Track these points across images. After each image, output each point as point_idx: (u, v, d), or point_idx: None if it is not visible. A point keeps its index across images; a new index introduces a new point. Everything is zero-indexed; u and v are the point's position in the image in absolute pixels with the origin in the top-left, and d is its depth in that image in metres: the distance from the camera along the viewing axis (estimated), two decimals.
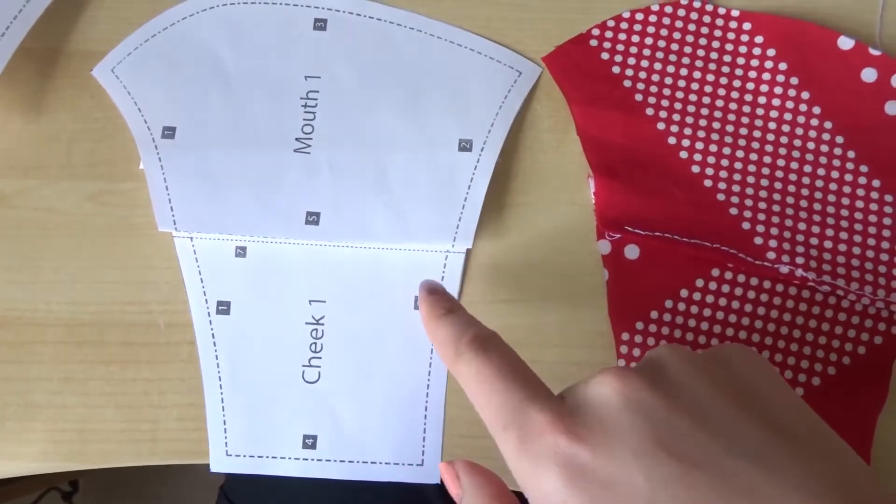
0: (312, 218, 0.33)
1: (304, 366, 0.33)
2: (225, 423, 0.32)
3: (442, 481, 0.32)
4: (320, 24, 0.37)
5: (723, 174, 0.34)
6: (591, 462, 0.20)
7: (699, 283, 0.33)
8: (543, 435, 0.21)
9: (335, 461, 0.32)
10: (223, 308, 0.33)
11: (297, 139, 0.35)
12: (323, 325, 0.33)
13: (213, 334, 0.33)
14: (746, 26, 0.36)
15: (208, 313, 0.33)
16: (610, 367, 0.22)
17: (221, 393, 0.33)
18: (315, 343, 0.33)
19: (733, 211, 0.34)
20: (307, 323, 0.33)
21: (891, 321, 0.32)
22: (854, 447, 0.23)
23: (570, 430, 0.21)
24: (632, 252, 0.33)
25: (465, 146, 0.34)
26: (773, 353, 0.32)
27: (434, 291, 0.28)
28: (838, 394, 0.32)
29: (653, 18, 0.36)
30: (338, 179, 0.34)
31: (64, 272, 0.34)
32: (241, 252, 0.34)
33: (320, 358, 0.33)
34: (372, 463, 0.32)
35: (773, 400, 0.22)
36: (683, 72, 0.36)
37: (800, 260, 0.33)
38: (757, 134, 0.35)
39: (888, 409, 0.32)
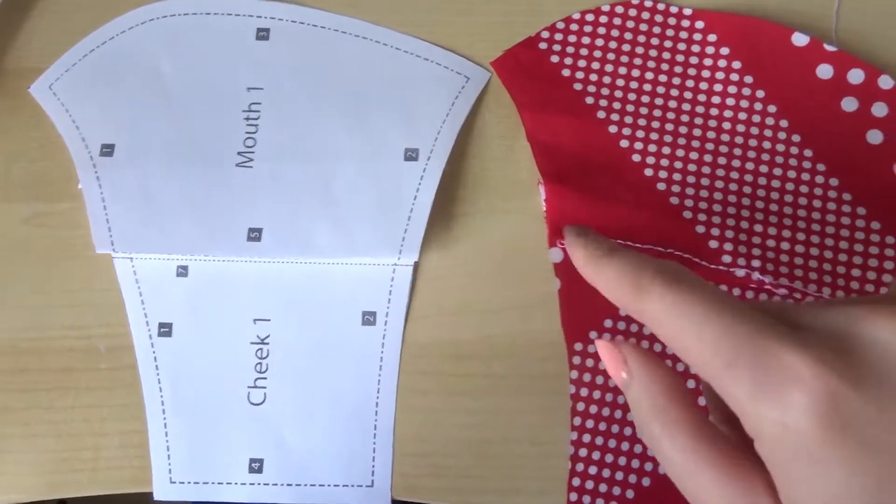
0: (254, 234, 0.32)
1: (249, 387, 0.32)
2: (168, 450, 0.31)
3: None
4: (263, 34, 0.36)
5: (676, 177, 0.33)
6: (857, 415, 0.18)
7: None
8: (801, 377, 0.18)
9: (283, 485, 0.31)
10: (165, 330, 0.32)
11: (239, 153, 0.34)
12: (268, 344, 0.32)
13: (155, 357, 0.32)
14: (699, 25, 0.35)
15: (150, 336, 0.32)
16: (885, 305, 0.19)
17: (164, 418, 0.32)
18: (260, 363, 0.32)
19: (687, 214, 0.33)
20: (252, 343, 0.32)
21: None
22: None
23: (840, 374, 0.18)
24: None
25: (411, 155, 0.33)
26: None
27: (586, 233, 0.24)
28: None
29: (603, 19, 0.36)
30: (281, 193, 0.33)
31: (0, 298, 0.33)
32: (182, 272, 0.33)
33: (266, 378, 0.32)
34: (321, 485, 0.31)
35: None
36: (636, 73, 0.35)
37: (756, 263, 0.32)
38: (711, 135, 0.34)
39: None
